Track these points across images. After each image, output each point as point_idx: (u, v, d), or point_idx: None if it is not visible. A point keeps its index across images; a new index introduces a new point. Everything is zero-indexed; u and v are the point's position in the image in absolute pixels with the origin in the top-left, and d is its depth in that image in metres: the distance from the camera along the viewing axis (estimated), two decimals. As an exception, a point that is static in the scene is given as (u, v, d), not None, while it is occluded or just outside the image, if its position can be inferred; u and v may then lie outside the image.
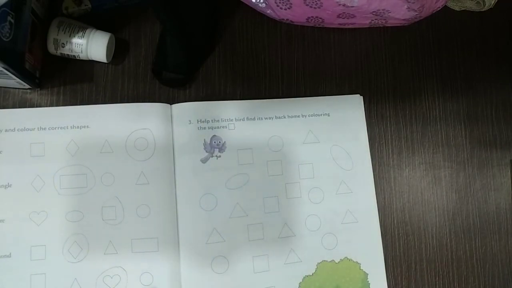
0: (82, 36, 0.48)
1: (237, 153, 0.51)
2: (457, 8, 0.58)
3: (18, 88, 0.49)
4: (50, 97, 0.50)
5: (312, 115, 0.53)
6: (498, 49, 0.59)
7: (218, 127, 0.51)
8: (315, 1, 0.44)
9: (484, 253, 0.54)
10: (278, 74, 0.54)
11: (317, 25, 0.52)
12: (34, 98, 0.50)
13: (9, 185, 0.47)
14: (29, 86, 0.49)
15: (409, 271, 0.52)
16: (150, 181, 0.48)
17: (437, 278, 0.52)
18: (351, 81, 0.55)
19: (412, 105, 0.56)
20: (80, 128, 0.49)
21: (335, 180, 0.52)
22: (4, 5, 0.41)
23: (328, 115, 0.54)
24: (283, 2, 0.46)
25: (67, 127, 0.49)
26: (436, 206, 0.54)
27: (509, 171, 0.56)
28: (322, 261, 0.50)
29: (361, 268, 0.50)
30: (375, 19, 0.48)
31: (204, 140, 0.50)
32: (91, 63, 0.51)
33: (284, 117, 0.53)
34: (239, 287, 0.48)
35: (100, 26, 0.50)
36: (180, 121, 0.50)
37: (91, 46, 0.48)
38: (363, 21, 0.49)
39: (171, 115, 0.51)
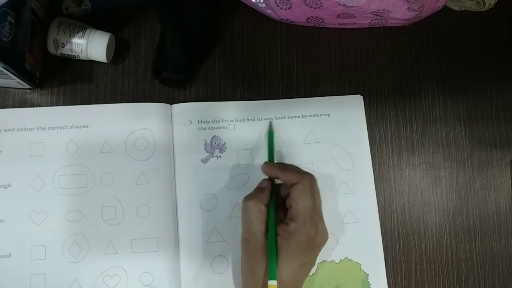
0: (82, 36, 0.48)
1: (237, 154, 0.51)
2: (457, 8, 0.58)
3: (18, 88, 0.49)
4: (50, 97, 0.50)
5: (312, 116, 0.53)
6: (498, 49, 0.59)
7: (218, 128, 0.51)
8: (315, 1, 0.44)
9: (484, 253, 0.54)
10: (278, 74, 0.54)
11: (317, 25, 0.52)
12: (34, 98, 0.50)
13: (8, 185, 0.47)
14: (29, 86, 0.49)
15: (409, 271, 0.52)
16: (150, 181, 0.48)
17: (437, 278, 0.52)
18: (351, 81, 0.55)
19: (412, 105, 0.56)
20: (80, 128, 0.49)
21: (336, 180, 0.52)
22: (4, 5, 0.41)
23: (329, 116, 0.54)
24: (283, 2, 0.46)
25: (66, 127, 0.49)
26: (436, 206, 0.54)
27: (509, 171, 0.56)
28: (322, 261, 0.50)
29: (361, 268, 0.50)
30: (375, 19, 0.48)
31: (205, 140, 0.50)
32: (91, 63, 0.51)
33: (284, 117, 0.53)
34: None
35: (100, 26, 0.50)
36: (180, 121, 0.50)
37: (91, 46, 0.48)
38: (363, 21, 0.49)
39: (171, 115, 0.51)
